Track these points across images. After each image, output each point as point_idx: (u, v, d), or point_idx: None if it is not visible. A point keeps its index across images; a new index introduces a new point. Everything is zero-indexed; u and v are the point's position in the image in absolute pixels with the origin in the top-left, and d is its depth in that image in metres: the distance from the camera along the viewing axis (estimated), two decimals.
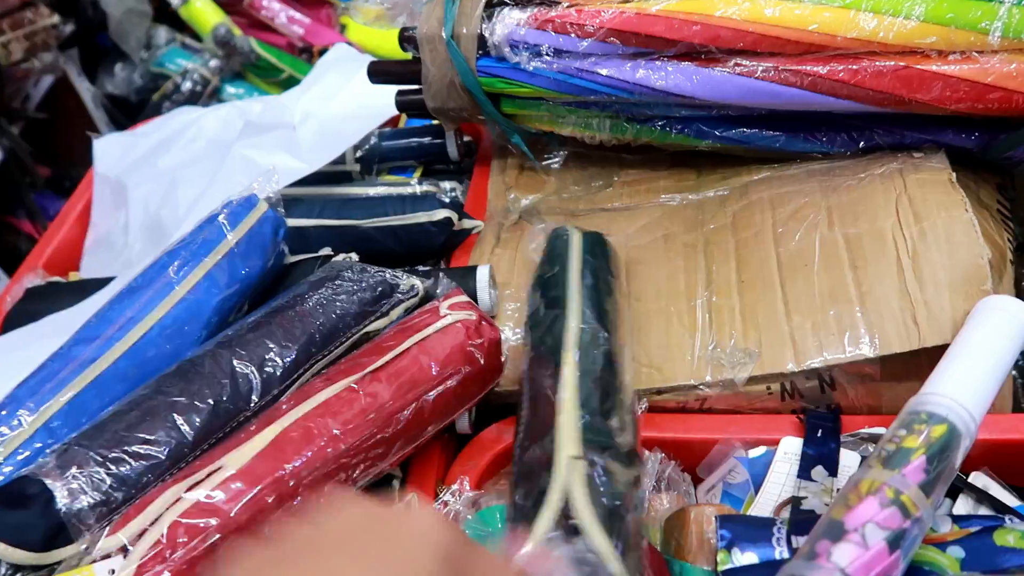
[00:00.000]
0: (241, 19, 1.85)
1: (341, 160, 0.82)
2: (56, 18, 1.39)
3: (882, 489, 0.39)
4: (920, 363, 0.52)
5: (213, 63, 1.68)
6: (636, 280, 0.65)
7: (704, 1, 0.60)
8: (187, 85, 1.67)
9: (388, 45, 1.69)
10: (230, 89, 1.73)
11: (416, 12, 0.72)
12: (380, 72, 0.75)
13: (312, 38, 1.87)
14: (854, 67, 0.57)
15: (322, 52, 1.77)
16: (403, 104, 0.76)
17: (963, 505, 0.52)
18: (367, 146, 0.83)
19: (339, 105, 0.84)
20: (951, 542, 0.42)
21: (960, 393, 0.43)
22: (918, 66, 0.55)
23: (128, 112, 1.77)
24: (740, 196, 0.66)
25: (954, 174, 0.58)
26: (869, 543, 0.37)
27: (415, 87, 0.74)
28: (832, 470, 0.51)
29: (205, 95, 1.70)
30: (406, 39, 0.72)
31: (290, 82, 1.69)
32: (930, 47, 0.55)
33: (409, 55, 0.73)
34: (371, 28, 1.85)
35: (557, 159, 0.78)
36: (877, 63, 0.56)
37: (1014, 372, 0.76)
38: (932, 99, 0.56)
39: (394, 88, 0.77)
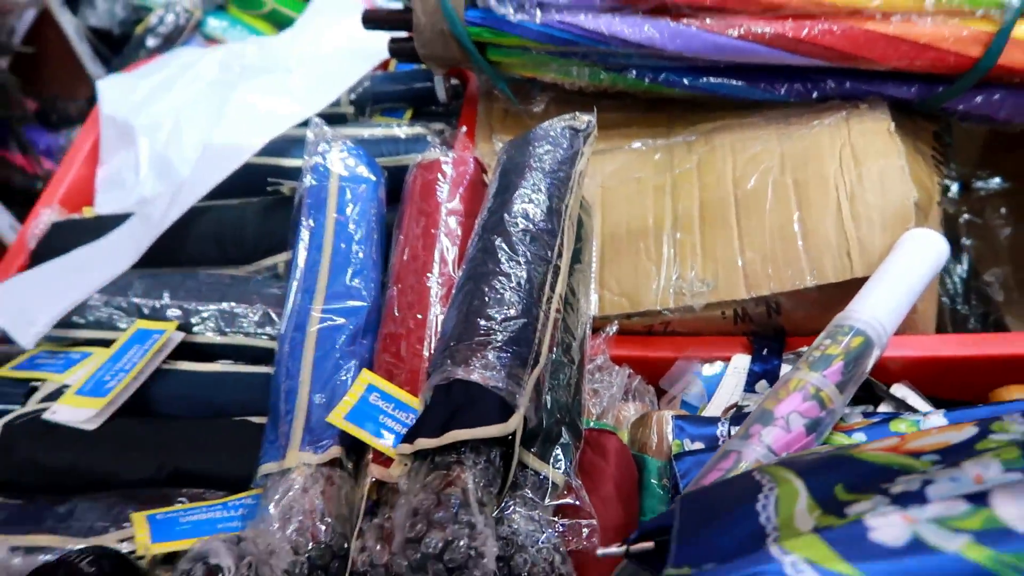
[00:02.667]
0: None
1: (336, 102, 0.87)
2: None
3: (806, 386, 0.48)
4: (853, 290, 0.60)
5: None
6: (610, 217, 0.72)
7: None
8: (170, 18, 1.67)
9: None
10: (212, 22, 1.73)
11: None
12: (374, 19, 0.80)
13: None
14: (808, 25, 0.63)
15: None
16: (396, 51, 0.81)
17: (884, 410, 0.61)
18: (360, 89, 0.88)
19: (333, 49, 0.88)
20: (856, 429, 0.50)
21: (876, 311, 0.52)
22: (863, 26, 0.62)
23: (111, 45, 1.77)
24: (705, 142, 0.73)
25: (893, 124, 0.66)
26: (791, 428, 0.46)
27: (407, 35, 0.79)
28: (774, 384, 0.60)
29: (188, 28, 1.70)
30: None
31: (273, 15, 1.70)
32: (874, 9, 0.61)
33: (401, 4, 0.78)
34: None
35: (540, 104, 0.84)
36: (828, 23, 0.63)
37: (944, 298, 0.85)
38: (875, 56, 0.63)
39: (385, 34, 0.82)
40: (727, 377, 0.63)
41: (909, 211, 0.61)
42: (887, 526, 0.29)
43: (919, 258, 0.56)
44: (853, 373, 0.49)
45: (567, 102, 0.82)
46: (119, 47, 1.73)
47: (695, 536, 0.33)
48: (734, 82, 0.71)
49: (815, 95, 0.70)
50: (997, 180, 0.97)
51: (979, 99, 0.66)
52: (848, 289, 0.61)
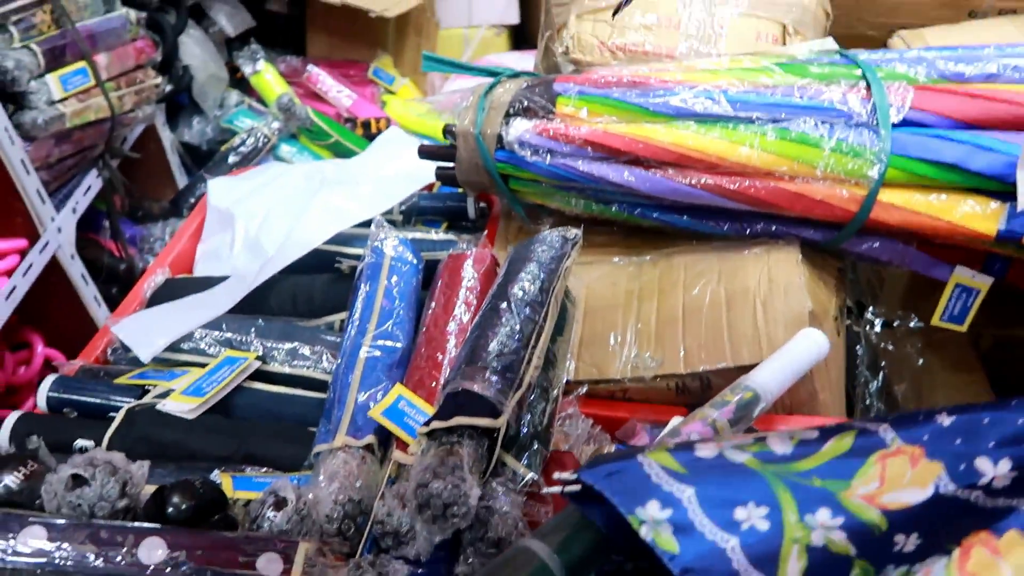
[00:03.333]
0: (299, 89, 2.20)
1: (389, 211, 1.13)
2: (159, 79, 1.73)
3: (706, 417, 0.68)
4: None
5: (275, 125, 2.01)
6: (590, 310, 0.95)
7: (648, 129, 0.91)
8: (250, 141, 2.00)
9: (416, 123, 2.04)
10: (285, 147, 2.06)
11: (456, 112, 1.04)
12: (426, 152, 1.07)
13: (357, 110, 2.22)
14: (738, 180, 0.88)
15: (365, 124, 2.13)
16: (441, 176, 1.07)
17: None
18: (409, 203, 1.14)
19: (391, 172, 1.15)
20: None
21: (764, 377, 0.72)
22: (776, 184, 0.86)
23: (197, 159, 2.09)
24: (666, 261, 0.97)
25: (800, 256, 0.89)
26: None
27: (450, 164, 1.05)
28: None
29: (264, 151, 2.02)
30: (448, 132, 1.03)
31: (336, 146, 2.02)
32: (783, 172, 0.86)
33: (448, 141, 1.05)
34: (406, 105, 2.20)
35: (546, 225, 1.08)
36: (752, 180, 0.87)
37: (861, 404, 1.05)
38: (784, 205, 0.87)
39: (434, 164, 1.08)
40: (664, 433, 0.83)
41: (805, 317, 0.83)
42: (705, 448, 0.49)
43: (804, 347, 0.77)
44: (742, 415, 0.70)
45: (566, 224, 1.07)
46: (204, 160, 2.05)
47: (597, 463, 0.52)
48: (688, 218, 0.95)
49: (747, 232, 0.94)
50: (914, 320, 1.18)
51: (864, 245, 0.89)
52: None
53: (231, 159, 1.97)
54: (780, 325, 0.83)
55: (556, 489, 0.58)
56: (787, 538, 0.46)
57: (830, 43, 0.98)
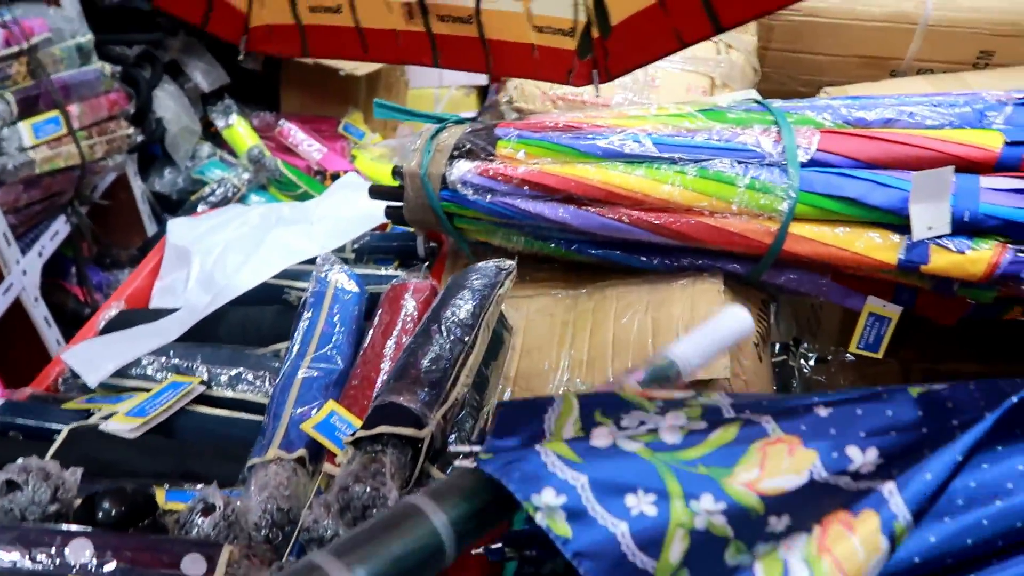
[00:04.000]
0: (271, 143, 2.27)
1: (342, 249, 1.17)
2: (132, 129, 1.79)
3: (618, 380, 0.71)
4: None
5: (245, 176, 2.07)
6: (528, 339, 0.99)
7: (580, 169, 0.97)
8: (220, 191, 2.05)
9: (383, 174, 2.11)
10: (254, 197, 2.11)
11: (405, 155, 1.10)
12: (377, 192, 1.12)
13: (327, 163, 2.29)
14: (662, 216, 0.94)
15: (334, 176, 2.19)
16: (390, 215, 1.12)
17: None
18: (362, 241, 1.19)
19: (346, 212, 1.20)
20: None
21: (683, 347, 0.75)
22: (697, 219, 0.92)
23: (168, 208, 2.14)
24: (600, 293, 1.02)
25: (723, 287, 0.94)
26: None
27: (399, 204, 1.10)
28: None
29: (233, 200, 2.08)
30: (397, 173, 1.09)
31: (304, 196, 2.08)
32: (703, 207, 0.92)
33: (397, 183, 1.10)
34: (374, 162, 2.28)
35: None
36: (675, 215, 0.93)
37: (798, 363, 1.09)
38: (705, 239, 0.93)
39: (384, 203, 1.13)
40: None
41: None
42: (600, 438, 0.53)
43: (726, 322, 0.79)
44: (654, 380, 0.70)
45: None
46: (174, 209, 2.09)
47: (502, 436, 0.56)
48: (620, 254, 1.01)
49: (675, 265, 0.99)
50: (846, 355, 1.24)
51: (783, 277, 0.95)
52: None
53: (201, 208, 2.02)
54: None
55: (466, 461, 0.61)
56: (673, 523, 0.49)
57: (752, 94, 1.06)
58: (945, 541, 0.48)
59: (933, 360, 1.28)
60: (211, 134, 2.20)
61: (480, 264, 0.92)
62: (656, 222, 0.94)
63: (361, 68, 2.17)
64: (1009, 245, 0.81)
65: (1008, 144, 0.82)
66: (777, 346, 1.29)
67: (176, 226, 1.22)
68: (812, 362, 1.24)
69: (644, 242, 0.98)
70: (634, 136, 0.95)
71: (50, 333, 1.68)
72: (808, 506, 0.51)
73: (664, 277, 1.00)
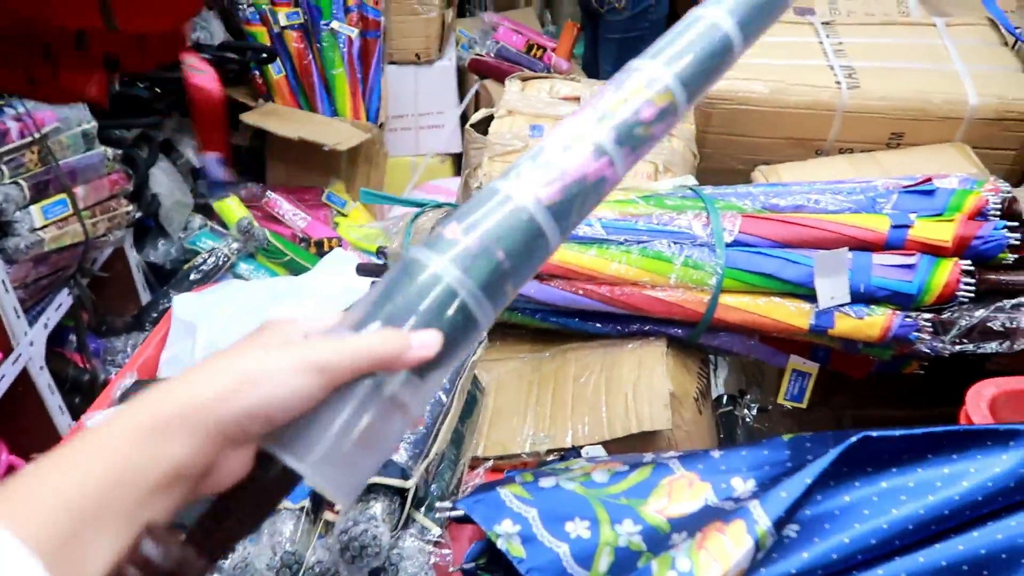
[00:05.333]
0: (259, 213, 2.41)
1: None
2: (130, 207, 1.93)
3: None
4: (635, 440, 0.99)
5: (234, 245, 2.20)
6: (499, 398, 1.13)
7: None
8: (211, 260, 2.19)
9: (365, 242, 2.25)
10: (243, 265, 2.24)
11: (389, 236, 1.24)
12: (364, 270, 1.27)
13: (311, 231, 2.43)
14: (613, 289, 1.09)
15: (319, 243, 2.34)
16: None
17: None
18: None
19: (335, 288, 1.34)
20: None
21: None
22: (641, 291, 1.07)
23: (160, 276, 2.27)
24: (562, 355, 1.16)
25: (667, 349, 1.09)
26: None
27: None
28: None
29: (224, 268, 2.21)
30: (380, 252, 1.24)
31: (290, 263, 2.22)
32: (646, 282, 1.07)
33: (382, 261, 1.25)
34: (355, 228, 2.42)
35: None
36: (622, 288, 1.08)
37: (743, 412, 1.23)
38: (649, 309, 1.08)
39: (371, 279, 1.28)
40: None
41: (666, 397, 1.02)
42: (546, 479, 0.67)
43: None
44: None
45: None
46: (167, 278, 2.22)
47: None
48: (578, 321, 1.16)
49: (626, 331, 1.14)
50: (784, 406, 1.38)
51: (718, 340, 1.10)
52: (631, 441, 1.00)
53: (193, 276, 2.15)
54: (646, 403, 1.02)
55: (450, 515, 0.75)
56: (602, 542, 0.63)
57: (690, 179, 1.23)
58: (816, 557, 0.62)
59: (862, 407, 1.43)
60: (202, 206, 2.34)
61: None
62: (607, 294, 1.09)
63: (343, 143, 2.33)
64: (898, 312, 0.97)
65: (894, 227, 0.99)
66: (725, 397, 1.43)
67: (181, 301, 1.35)
68: (755, 412, 1.38)
69: (598, 311, 1.13)
70: (587, 221, 1.11)
71: (53, 400, 1.78)
72: (700, 523, 0.65)
73: (616, 341, 1.14)
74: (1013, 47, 1.60)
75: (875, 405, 1.42)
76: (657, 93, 0.48)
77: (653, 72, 0.48)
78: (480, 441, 1.07)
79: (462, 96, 2.98)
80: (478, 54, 2.91)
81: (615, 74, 0.51)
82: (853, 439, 0.61)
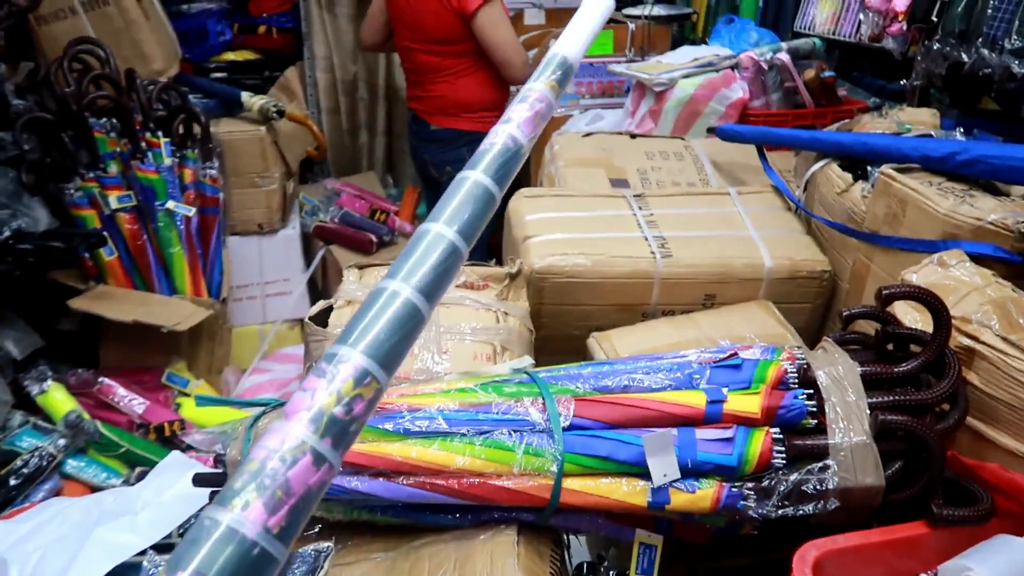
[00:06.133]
0: (90, 400, 2.26)
1: (168, 536, 1.22)
2: None
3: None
4: None
5: (61, 442, 2.03)
6: None
7: (384, 446, 1.12)
8: (34, 461, 2.00)
9: (211, 421, 2.16)
10: (72, 462, 2.06)
11: (227, 442, 1.20)
12: (201, 480, 1.21)
13: (150, 416, 2.30)
14: (459, 481, 1.10)
15: (158, 428, 2.20)
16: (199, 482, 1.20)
17: None
18: (188, 527, 1.25)
19: (169, 496, 1.27)
20: None
21: (567, 47, 0.88)
22: (487, 481, 1.09)
23: None
24: (416, 553, 1.14)
25: (517, 537, 1.10)
26: None
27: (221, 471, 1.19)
28: None
29: (49, 469, 2.02)
30: (219, 460, 1.19)
31: (127, 455, 2.07)
32: (490, 473, 1.09)
33: (220, 469, 1.20)
34: (199, 408, 2.32)
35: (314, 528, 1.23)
36: (469, 479, 1.10)
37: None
38: (496, 498, 1.09)
39: (208, 489, 1.22)
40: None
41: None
42: None
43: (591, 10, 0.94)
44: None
45: (331, 529, 1.22)
46: None
47: None
48: (430, 514, 1.15)
49: (480, 520, 1.14)
50: None
51: (567, 520, 1.13)
52: None
53: (12, 482, 1.95)
54: None
55: None
56: None
57: (527, 360, 1.29)
58: None
59: (714, 559, 1.49)
60: (26, 401, 2.16)
61: (297, 551, 1.03)
62: (455, 487, 1.10)
63: (183, 323, 2.26)
64: (725, 483, 1.04)
65: (710, 403, 1.07)
66: (585, 566, 1.45)
67: None
68: None
69: (448, 504, 1.13)
70: (429, 415, 1.13)
71: None
72: None
73: (469, 532, 1.14)
74: (795, 212, 1.83)
75: (725, 555, 1.49)
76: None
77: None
78: None
79: (308, 261, 3.00)
80: (322, 221, 2.96)
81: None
82: None
